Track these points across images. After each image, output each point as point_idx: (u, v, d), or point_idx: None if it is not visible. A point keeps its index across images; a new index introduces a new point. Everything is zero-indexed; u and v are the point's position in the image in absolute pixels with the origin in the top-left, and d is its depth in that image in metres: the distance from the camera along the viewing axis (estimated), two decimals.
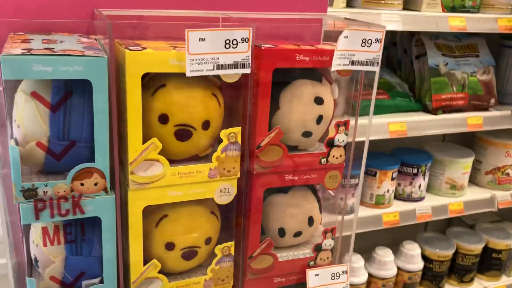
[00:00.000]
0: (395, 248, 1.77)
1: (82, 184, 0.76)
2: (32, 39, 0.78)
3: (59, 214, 0.76)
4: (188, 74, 0.77)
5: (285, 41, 0.92)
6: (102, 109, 0.74)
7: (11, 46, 0.72)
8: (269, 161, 0.90)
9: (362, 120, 0.98)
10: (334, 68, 0.88)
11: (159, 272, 0.87)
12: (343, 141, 0.95)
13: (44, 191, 0.74)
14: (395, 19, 1.38)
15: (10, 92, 0.75)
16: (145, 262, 0.86)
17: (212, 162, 0.85)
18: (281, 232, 0.98)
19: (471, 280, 1.91)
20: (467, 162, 1.73)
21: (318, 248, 1.01)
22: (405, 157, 1.66)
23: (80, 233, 0.81)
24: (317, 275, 1.00)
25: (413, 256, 1.75)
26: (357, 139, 0.99)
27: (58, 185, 0.75)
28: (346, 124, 0.95)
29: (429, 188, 1.74)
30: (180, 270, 0.92)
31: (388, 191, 1.60)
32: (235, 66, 0.80)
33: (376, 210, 1.59)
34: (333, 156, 0.95)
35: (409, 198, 1.67)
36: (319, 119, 0.92)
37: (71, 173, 0.75)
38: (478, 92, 1.66)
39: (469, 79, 1.65)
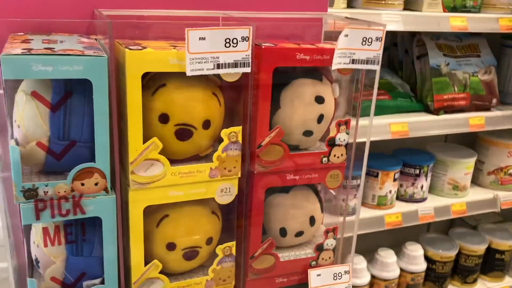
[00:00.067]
0: (398, 249, 1.77)
1: (82, 184, 0.76)
2: (32, 39, 0.78)
3: (59, 214, 0.76)
4: (188, 73, 0.77)
5: (286, 41, 0.92)
6: (102, 109, 0.74)
7: (11, 46, 0.72)
8: (270, 161, 0.90)
9: (363, 121, 0.98)
10: (334, 66, 0.88)
11: (160, 272, 0.87)
12: (344, 140, 0.95)
13: (44, 191, 0.74)
14: (395, 19, 1.38)
15: (10, 92, 0.75)
16: (146, 262, 0.86)
17: (212, 161, 0.85)
18: (283, 232, 0.98)
19: (475, 281, 1.91)
20: (470, 163, 1.73)
21: (320, 248, 1.01)
22: (407, 157, 1.66)
23: (80, 233, 0.81)
24: (319, 275, 0.99)
25: (415, 257, 1.74)
26: (358, 140, 0.99)
27: (59, 185, 0.75)
28: (347, 123, 0.94)
29: (431, 189, 1.74)
30: (181, 270, 0.92)
31: (390, 192, 1.59)
32: (235, 65, 0.80)
33: (378, 211, 1.58)
34: (334, 155, 0.95)
35: (411, 199, 1.67)
36: (320, 118, 0.92)
37: (71, 173, 0.75)
38: (480, 92, 1.66)
39: (470, 79, 1.65)
